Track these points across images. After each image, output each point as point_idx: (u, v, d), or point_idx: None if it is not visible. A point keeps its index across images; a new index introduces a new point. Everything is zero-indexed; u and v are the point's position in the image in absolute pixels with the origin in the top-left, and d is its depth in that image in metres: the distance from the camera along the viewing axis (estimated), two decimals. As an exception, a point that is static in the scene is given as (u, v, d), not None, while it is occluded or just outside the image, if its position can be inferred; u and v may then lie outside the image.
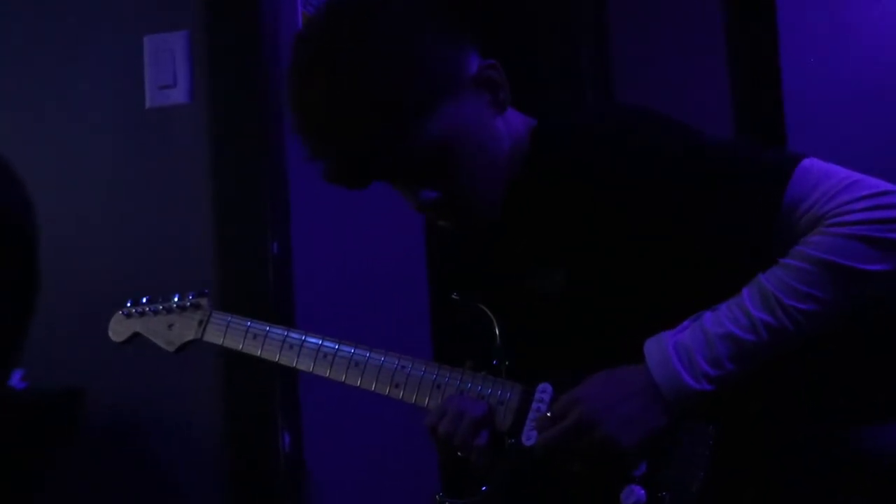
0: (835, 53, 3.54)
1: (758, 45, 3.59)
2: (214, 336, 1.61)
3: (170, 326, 1.65)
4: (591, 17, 3.60)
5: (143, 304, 1.70)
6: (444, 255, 1.90)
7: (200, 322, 1.63)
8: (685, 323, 1.32)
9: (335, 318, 2.51)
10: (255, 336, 1.57)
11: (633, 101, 3.59)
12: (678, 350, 1.29)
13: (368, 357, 1.50)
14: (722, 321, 1.29)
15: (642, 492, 1.32)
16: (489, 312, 1.49)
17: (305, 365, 1.53)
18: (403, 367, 1.48)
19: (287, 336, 1.55)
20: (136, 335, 1.70)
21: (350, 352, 1.51)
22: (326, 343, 1.53)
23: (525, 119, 1.45)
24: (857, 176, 1.31)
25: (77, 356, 2.32)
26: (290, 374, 2.35)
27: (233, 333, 1.59)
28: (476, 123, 1.36)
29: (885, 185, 1.29)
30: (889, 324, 1.41)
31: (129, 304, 1.71)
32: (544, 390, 1.41)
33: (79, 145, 2.44)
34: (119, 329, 1.71)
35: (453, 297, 1.54)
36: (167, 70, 2.34)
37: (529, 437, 1.39)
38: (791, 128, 3.57)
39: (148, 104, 2.37)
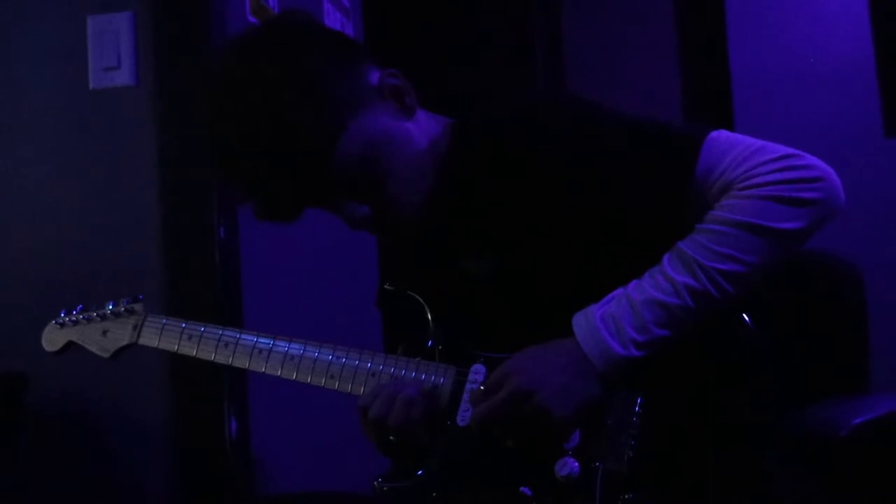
0: (782, 33, 3.58)
1: (707, 24, 3.61)
2: (149, 339, 1.63)
3: (104, 333, 1.67)
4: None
5: (77, 312, 1.71)
6: (381, 246, 1.94)
7: (135, 326, 1.64)
8: (610, 294, 1.36)
9: (284, 304, 2.50)
10: (189, 337, 1.59)
11: (584, 81, 3.63)
12: (605, 320, 1.33)
13: (303, 350, 1.52)
14: (645, 288, 1.33)
15: (576, 464, 1.35)
16: (419, 298, 1.50)
17: (241, 362, 1.55)
18: (338, 357, 1.49)
19: (222, 335, 1.57)
20: (70, 344, 1.71)
21: (285, 347, 1.53)
22: (261, 339, 1.55)
23: (439, 118, 1.50)
24: (761, 142, 1.35)
25: (19, 341, 2.24)
26: None
27: (167, 335, 1.61)
28: (387, 131, 1.40)
29: (789, 150, 1.34)
30: (820, 307, 1.51)
31: (62, 315, 1.72)
32: (477, 371, 1.43)
33: (19, 128, 2.40)
34: (53, 339, 1.72)
35: (386, 286, 1.56)
36: (111, 51, 2.31)
37: (464, 417, 1.41)
38: (738, 109, 3.61)
39: (92, 86, 2.34)
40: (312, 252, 2.62)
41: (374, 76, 1.42)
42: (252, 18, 2.43)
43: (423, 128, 1.46)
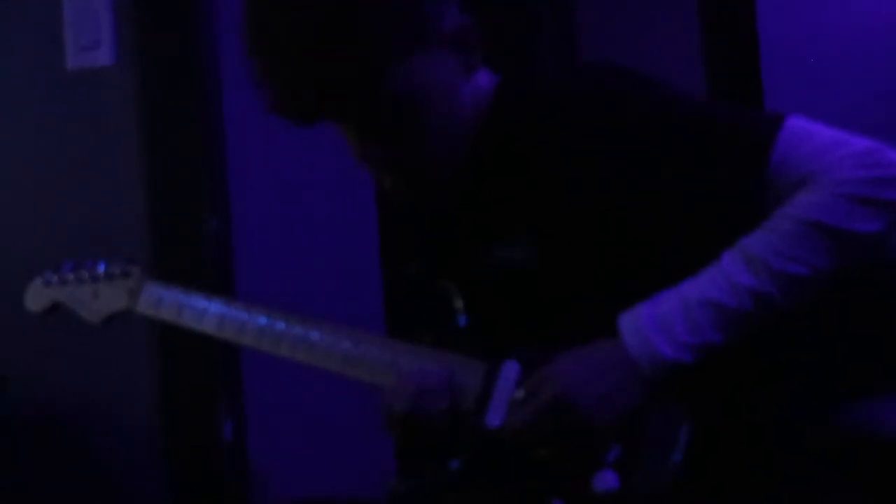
0: (814, 11, 3.49)
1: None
2: (147, 306, 1.54)
3: (95, 296, 1.58)
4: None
5: (66, 271, 1.63)
6: (399, 226, 1.84)
7: (131, 291, 1.56)
8: (661, 294, 1.28)
9: (279, 298, 2.41)
10: (192, 308, 1.50)
11: (598, 52, 3.55)
12: (654, 320, 1.26)
13: (319, 333, 1.44)
14: (701, 287, 1.26)
15: (615, 477, 1.28)
16: (451, 287, 1.43)
17: (250, 340, 1.47)
18: (357, 343, 1.42)
19: (229, 309, 1.49)
20: (56, 305, 1.63)
21: (298, 329, 1.45)
22: (274, 318, 1.46)
23: (491, 77, 1.40)
24: (842, 135, 1.28)
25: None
26: (232, 356, 2.34)
27: (168, 304, 1.52)
28: (441, 85, 1.32)
29: (871, 143, 1.26)
30: (863, 302, 1.43)
31: (49, 272, 1.64)
32: (510, 368, 1.35)
33: (-6, 111, 2.39)
34: (37, 298, 1.64)
35: (409, 270, 1.49)
36: (90, 30, 2.27)
37: (495, 417, 1.34)
38: (768, 85, 3.51)
39: (70, 66, 2.30)
40: (312, 244, 2.56)
41: (450, 21, 1.32)
42: (240, -9, 2.33)
43: (474, 89, 1.36)
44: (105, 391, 2.25)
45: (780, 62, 3.49)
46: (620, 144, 1.28)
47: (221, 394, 2.24)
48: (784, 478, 1.28)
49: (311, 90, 1.26)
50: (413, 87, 1.29)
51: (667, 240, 1.30)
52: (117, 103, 2.25)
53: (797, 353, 1.33)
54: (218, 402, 2.23)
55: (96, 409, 2.26)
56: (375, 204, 2.60)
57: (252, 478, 2.31)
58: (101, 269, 1.59)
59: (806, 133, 1.27)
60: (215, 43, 2.27)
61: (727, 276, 1.25)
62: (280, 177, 2.39)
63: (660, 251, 1.30)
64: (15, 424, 2.26)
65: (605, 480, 1.28)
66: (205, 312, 1.50)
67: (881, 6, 3.38)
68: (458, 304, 1.42)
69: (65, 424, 2.28)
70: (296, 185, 2.43)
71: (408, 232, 1.63)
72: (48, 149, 2.31)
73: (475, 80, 1.38)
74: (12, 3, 2.33)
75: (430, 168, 1.35)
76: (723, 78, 3.55)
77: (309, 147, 2.35)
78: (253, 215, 2.37)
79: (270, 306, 1.50)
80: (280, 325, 1.45)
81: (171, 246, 2.23)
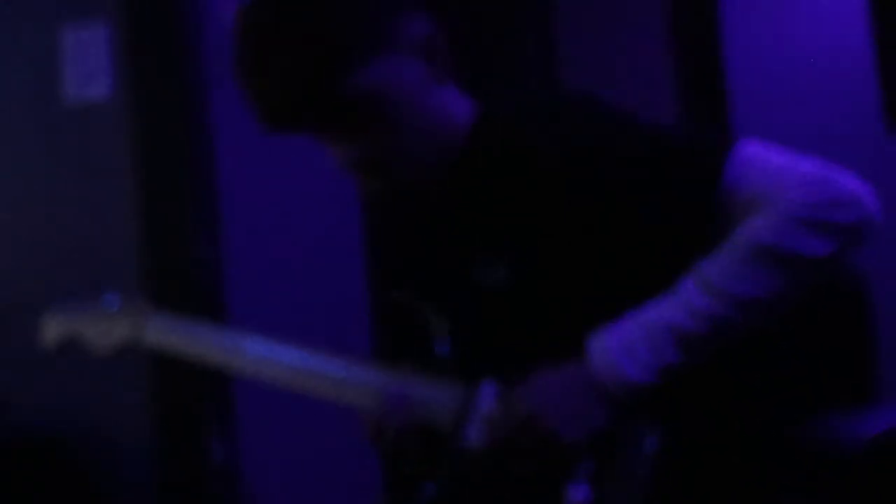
0: (779, 35, 3.54)
1: (701, 24, 3.58)
2: (153, 338, 1.57)
3: (104, 329, 1.61)
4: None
5: (76, 305, 1.65)
6: (383, 249, 1.87)
7: (137, 324, 1.58)
8: (626, 316, 1.30)
9: (269, 322, 2.42)
10: (196, 338, 1.54)
11: (576, 82, 3.59)
12: (620, 342, 1.28)
13: (309, 360, 1.47)
14: (662, 311, 1.28)
15: (588, 489, 1.30)
16: (429, 309, 1.46)
17: (247, 368, 1.51)
18: (342, 369, 1.45)
19: (228, 338, 1.53)
20: (67, 338, 1.64)
21: (292, 355, 1.49)
22: (268, 346, 1.50)
23: (469, 101, 1.43)
24: (793, 158, 1.29)
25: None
26: (224, 379, 2.31)
27: (172, 335, 1.56)
28: (409, 87, 1.34)
29: (823, 167, 1.28)
30: (833, 317, 1.43)
31: (60, 306, 1.66)
32: (487, 390, 1.38)
33: (-8, 145, 2.38)
34: (51, 333, 1.65)
35: (393, 294, 1.51)
36: (86, 64, 2.28)
37: (471, 437, 1.36)
38: (738, 110, 3.56)
39: (66, 100, 2.31)
40: (300, 268, 2.56)
41: (417, 28, 1.35)
42: (232, 27, 2.36)
43: (448, 102, 1.39)
44: (98, 414, 2.25)
45: (747, 86, 3.56)
46: (586, 172, 1.31)
47: (213, 416, 2.24)
48: (753, 491, 1.30)
49: (281, 95, 1.30)
50: (380, 86, 1.31)
51: (632, 262, 1.32)
52: (113, 136, 2.25)
53: (767, 368, 1.35)
54: (210, 425, 2.24)
55: (89, 431, 2.27)
56: (360, 230, 2.63)
57: (244, 500, 2.31)
58: (109, 302, 1.62)
59: (757, 157, 1.29)
60: (209, 77, 2.28)
61: (686, 299, 1.27)
62: (270, 205, 2.41)
63: (627, 273, 1.33)
64: (9, 448, 2.26)
65: (579, 494, 1.31)
66: (208, 342, 1.53)
67: (846, 29, 3.46)
68: (440, 327, 1.44)
69: (57, 448, 2.28)
70: (286, 213, 2.45)
71: (392, 257, 1.64)
72: (43, 181, 2.32)
73: (449, 94, 1.40)
74: (9, 36, 2.33)
75: (402, 166, 1.37)
76: (692, 102, 3.62)
77: (299, 175, 2.38)
78: (243, 241, 2.38)
79: (262, 333, 1.54)
80: (272, 353, 1.49)
81: (165, 274, 2.24)
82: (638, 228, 1.31)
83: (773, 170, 1.28)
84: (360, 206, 2.65)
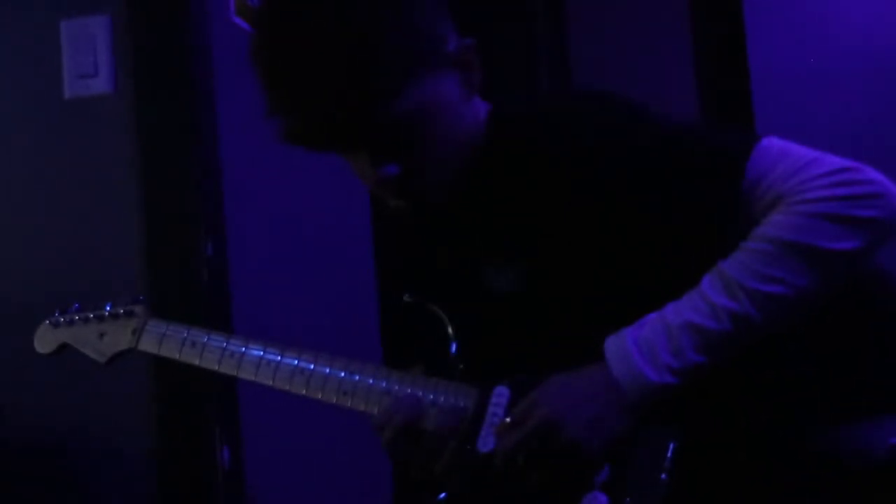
0: (802, 33, 3.51)
1: (724, 21, 3.55)
2: (150, 345, 1.58)
3: (101, 336, 1.62)
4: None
5: (72, 312, 1.66)
6: (394, 252, 1.83)
7: (134, 331, 1.59)
8: (646, 318, 1.29)
9: (276, 324, 2.42)
10: (193, 344, 1.54)
11: (593, 79, 3.55)
12: (639, 344, 1.27)
13: (314, 364, 1.47)
14: (682, 311, 1.27)
15: (605, 498, 1.29)
16: (442, 313, 1.45)
17: (247, 374, 1.50)
18: (351, 374, 1.44)
19: (227, 344, 1.52)
20: (64, 346, 1.65)
21: (294, 360, 1.48)
22: (269, 351, 1.50)
23: (484, 104, 1.43)
24: (817, 153, 1.28)
25: (-7, 368, 2.25)
26: (229, 382, 2.28)
27: (169, 342, 1.56)
28: (448, 102, 1.34)
29: (846, 162, 1.27)
30: (852, 320, 1.39)
31: (56, 314, 1.67)
32: (500, 394, 1.36)
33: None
34: (46, 340, 1.66)
35: (405, 298, 1.50)
36: (87, 58, 2.25)
37: (486, 442, 1.35)
38: (758, 108, 3.53)
39: (67, 95, 2.28)
40: (308, 269, 2.56)
41: (453, 42, 1.35)
42: (237, 19, 2.38)
43: (474, 111, 1.40)
44: (101, 420, 2.22)
45: (770, 87, 3.51)
46: (606, 170, 1.30)
47: (219, 422, 2.21)
48: (771, 496, 1.28)
49: (326, 119, 1.28)
50: (422, 105, 1.30)
51: (653, 261, 1.31)
52: (115, 131, 2.23)
53: (787, 371, 1.32)
54: (215, 431, 2.20)
55: (92, 437, 2.24)
56: (371, 232, 2.61)
57: (248, 504, 2.28)
58: (106, 309, 1.62)
59: (780, 152, 1.28)
60: (213, 71, 2.27)
61: (707, 298, 1.25)
62: (276, 204, 2.39)
63: (646, 272, 1.31)
64: (9, 454, 2.24)
65: (596, 502, 1.28)
66: (204, 348, 1.52)
67: (868, 31, 3.41)
68: (451, 330, 1.43)
69: (60, 454, 2.26)
70: (292, 213, 2.44)
71: (403, 260, 1.65)
72: (44, 177, 2.29)
73: (474, 102, 1.40)
74: (9, 31, 2.32)
75: (432, 184, 1.36)
76: (714, 101, 3.58)
77: (305, 175, 2.35)
78: (249, 242, 2.36)
79: (267, 339, 1.53)
80: (276, 358, 1.48)
81: (168, 273, 2.21)
82: (655, 226, 1.30)
83: (796, 165, 1.26)
84: (370, 208, 2.62)
